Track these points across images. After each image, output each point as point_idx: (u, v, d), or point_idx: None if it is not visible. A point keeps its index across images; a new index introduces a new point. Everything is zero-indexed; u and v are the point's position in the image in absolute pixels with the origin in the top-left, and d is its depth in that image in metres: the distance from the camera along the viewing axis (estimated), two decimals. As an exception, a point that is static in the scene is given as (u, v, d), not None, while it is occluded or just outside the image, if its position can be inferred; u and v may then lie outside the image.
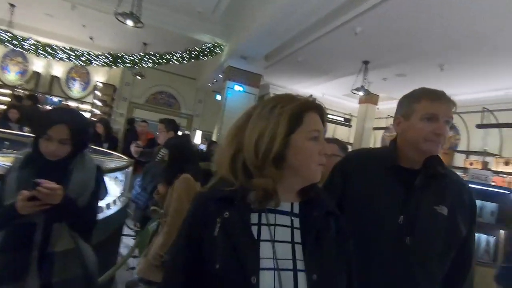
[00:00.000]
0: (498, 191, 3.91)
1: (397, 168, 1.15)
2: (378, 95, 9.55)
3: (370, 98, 9.54)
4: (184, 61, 7.26)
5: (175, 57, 7.20)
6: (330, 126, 12.13)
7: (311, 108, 0.90)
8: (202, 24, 7.04)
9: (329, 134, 12.27)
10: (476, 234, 2.30)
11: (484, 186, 3.90)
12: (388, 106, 10.77)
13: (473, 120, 8.13)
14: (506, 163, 7.08)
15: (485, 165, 7.61)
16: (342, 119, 10.82)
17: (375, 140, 11.98)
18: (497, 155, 7.65)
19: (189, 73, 12.92)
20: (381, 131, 11.65)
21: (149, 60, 7.23)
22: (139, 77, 9.91)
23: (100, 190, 1.54)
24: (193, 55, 7.09)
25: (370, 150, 1.68)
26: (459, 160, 8.51)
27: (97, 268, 1.50)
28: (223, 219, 0.76)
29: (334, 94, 10.52)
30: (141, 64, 7.46)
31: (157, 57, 7.21)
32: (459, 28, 4.72)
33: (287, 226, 0.83)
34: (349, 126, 10.80)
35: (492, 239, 3.81)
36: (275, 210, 0.83)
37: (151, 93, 12.65)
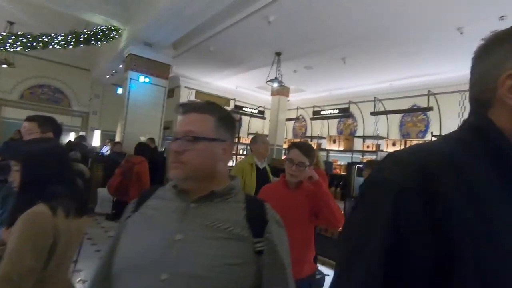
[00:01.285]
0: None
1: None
2: (289, 87, 9.94)
3: (282, 90, 9.85)
4: (69, 46, 5.87)
5: (56, 41, 5.74)
6: (245, 119, 12.13)
7: None
8: (91, 2, 5.82)
9: (244, 127, 12.29)
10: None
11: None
12: (297, 97, 11.41)
13: (367, 108, 9.29)
14: (393, 144, 8.33)
15: (378, 147, 8.82)
16: (256, 112, 10.91)
17: (287, 131, 12.60)
18: (386, 138, 8.92)
19: (81, 63, 10.92)
20: (291, 122, 12.32)
21: (18, 43, 5.56)
22: (5, 66, 7.71)
23: None
24: (82, 39, 5.79)
25: (440, 144, 0.62)
26: (358, 144, 9.64)
27: None
28: None
29: (248, 86, 10.48)
30: (6, 48, 5.70)
31: (28, 39, 5.60)
32: (361, 24, 5.10)
33: None
34: (263, 118, 10.99)
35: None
36: None
37: (27, 87, 10.16)
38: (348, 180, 4.35)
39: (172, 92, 10.88)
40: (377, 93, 8.83)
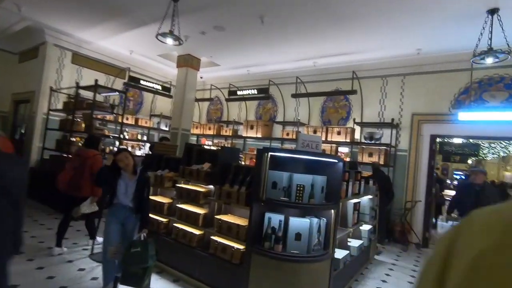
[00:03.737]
0: (328, 161, 3.09)
1: None
2: (199, 59, 8.09)
3: (190, 61, 7.94)
4: None
5: None
6: (147, 96, 9.80)
7: None
8: None
9: (147, 106, 9.96)
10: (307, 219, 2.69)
11: (315, 156, 2.99)
12: (211, 74, 9.64)
13: (288, 90, 8.19)
14: (314, 131, 7.42)
15: (297, 135, 7.82)
16: (160, 88, 8.75)
17: (200, 114, 10.78)
18: (306, 124, 7.99)
19: None
20: (206, 103, 10.54)
21: None
22: None
23: None
24: None
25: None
26: (277, 131, 8.51)
27: None
28: None
29: (146, 53, 8.21)
30: None
31: None
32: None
33: None
34: (170, 96, 8.91)
35: (323, 223, 2.97)
36: None
37: None
38: (258, 174, 2.88)
39: (34, 52, 7.83)
40: (300, 74, 7.76)
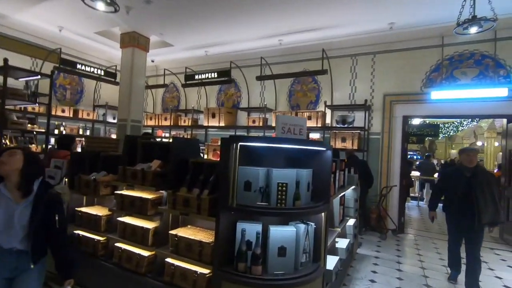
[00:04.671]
0: (314, 149, 2.41)
1: None
2: (148, 38, 6.95)
3: (136, 40, 6.76)
4: None
5: None
6: (89, 84, 8.39)
7: None
8: None
9: (89, 96, 8.53)
10: (292, 226, 2.22)
11: (300, 145, 2.29)
12: (164, 57, 8.44)
13: (253, 73, 7.42)
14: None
15: (265, 121, 7.15)
16: (103, 73, 7.45)
17: (155, 103, 9.58)
18: (274, 110, 7.32)
19: None
20: (161, 89, 9.36)
21: None
22: None
23: None
24: None
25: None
26: (242, 118, 7.74)
27: None
28: None
29: (80, 30, 6.85)
30: None
31: None
32: None
33: None
34: (116, 83, 7.64)
35: (311, 229, 2.31)
36: None
37: None
38: (224, 172, 2.11)
39: None
40: (265, 54, 7.01)
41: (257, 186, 2.20)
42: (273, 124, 6.78)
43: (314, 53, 6.72)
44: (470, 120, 13.68)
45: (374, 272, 3.97)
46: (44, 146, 6.69)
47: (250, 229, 2.18)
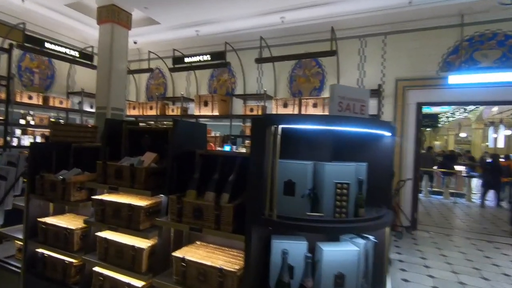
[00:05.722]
0: (374, 134, 1.75)
1: None
2: (130, 13, 6.02)
3: (116, 15, 5.82)
4: None
5: None
6: (61, 68, 7.35)
7: None
8: None
9: (61, 81, 7.48)
10: (350, 243, 1.61)
11: (363, 126, 1.62)
12: (150, 38, 7.53)
13: (250, 56, 6.67)
14: (285, 105, 6.11)
15: (264, 110, 6.46)
16: (77, 54, 6.47)
17: (138, 90, 8.63)
18: (274, 97, 6.63)
19: None
20: (146, 75, 8.43)
21: None
22: None
23: None
24: None
25: None
26: (237, 107, 7.00)
27: None
28: None
29: (48, 3, 5.83)
30: None
31: None
32: None
33: None
34: (92, 66, 6.67)
35: (370, 245, 1.66)
36: None
37: None
38: (257, 169, 1.41)
39: None
40: (264, 34, 6.26)
41: (304, 189, 1.51)
42: (274, 112, 6.10)
43: (318, 34, 6.05)
44: (463, 110, 13.54)
45: (406, 280, 3.43)
46: (9, 138, 5.72)
47: (293, 249, 1.50)
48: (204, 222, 1.60)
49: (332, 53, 5.41)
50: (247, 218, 1.48)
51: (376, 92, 5.57)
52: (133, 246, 1.82)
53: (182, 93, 7.52)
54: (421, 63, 5.57)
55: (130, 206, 1.83)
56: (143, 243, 1.83)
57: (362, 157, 1.79)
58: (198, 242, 1.90)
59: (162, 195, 1.88)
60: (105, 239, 1.92)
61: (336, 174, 1.54)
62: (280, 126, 1.44)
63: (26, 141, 6.14)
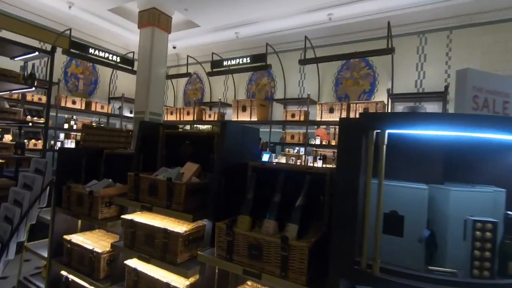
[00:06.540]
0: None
1: None
2: (170, 16, 5.90)
3: (157, 19, 5.72)
4: None
5: None
6: (104, 74, 7.47)
7: None
8: None
9: (104, 84, 7.59)
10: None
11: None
12: (188, 42, 7.40)
13: (291, 58, 6.24)
14: (331, 110, 5.55)
15: (307, 115, 5.94)
16: (119, 60, 6.49)
17: (176, 95, 8.57)
18: (318, 102, 6.09)
19: None
20: (183, 80, 8.34)
21: None
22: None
23: None
24: None
25: None
26: (277, 112, 6.56)
27: None
28: None
29: (92, 8, 5.90)
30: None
31: None
32: None
33: None
34: (133, 72, 6.67)
35: None
36: None
37: None
38: (350, 194, 0.94)
39: None
40: (308, 34, 5.78)
41: (416, 225, 1.00)
42: (318, 118, 5.57)
43: (370, 32, 5.47)
44: None
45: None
46: (53, 142, 5.80)
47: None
48: (263, 265, 1.14)
49: (389, 51, 4.77)
50: (331, 267, 1.00)
51: (441, 95, 4.81)
52: (168, 284, 1.41)
53: (219, 98, 7.27)
54: (497, 61, 4.73)
55: (166, 231, 1.44)
56: (180, 281, 1.42)
57: (483, 177, 1.23)
58: (249, 283, 1.45)
59: (205, 220, 1.46)
60: (135, 271, 1.55)
61: (466, 205, 1.01)
62: (387, 131, 0.95)
63: (69, 145, 6.22)
